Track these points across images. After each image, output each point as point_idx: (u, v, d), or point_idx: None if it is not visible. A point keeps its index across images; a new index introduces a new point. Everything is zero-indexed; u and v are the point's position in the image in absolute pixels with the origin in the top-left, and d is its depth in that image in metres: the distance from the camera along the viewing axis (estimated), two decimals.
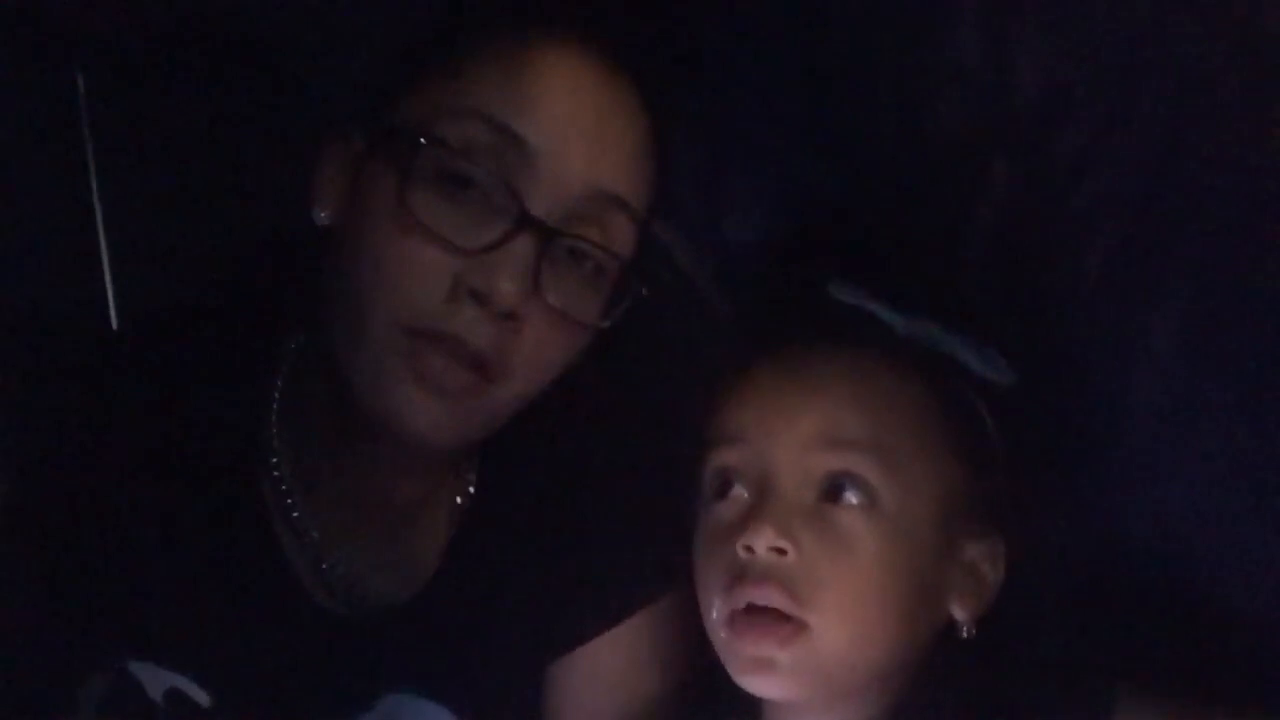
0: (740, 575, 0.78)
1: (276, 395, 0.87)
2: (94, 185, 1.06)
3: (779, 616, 0.77)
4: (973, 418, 0.81)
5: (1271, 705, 0.73)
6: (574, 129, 0.77)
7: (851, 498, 0.78)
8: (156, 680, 0.81)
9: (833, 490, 0.78)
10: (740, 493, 0.81)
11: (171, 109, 1.04)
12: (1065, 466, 0.84)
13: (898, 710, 0.79)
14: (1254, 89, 0.76)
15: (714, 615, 0.80)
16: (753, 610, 0.77)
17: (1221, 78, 0.78)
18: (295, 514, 0.86)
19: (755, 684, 0.79)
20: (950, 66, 0.87)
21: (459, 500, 0.88)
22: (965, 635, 0.80)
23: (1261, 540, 0.78)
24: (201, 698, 0.82)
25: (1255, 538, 0.78)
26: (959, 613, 0.80)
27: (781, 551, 0.77)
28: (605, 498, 0.88)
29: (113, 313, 1.06)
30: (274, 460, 0.86)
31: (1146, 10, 0.81)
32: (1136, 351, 0.81)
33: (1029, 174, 0.86)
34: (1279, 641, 0.76)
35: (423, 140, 0.76)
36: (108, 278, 1.06)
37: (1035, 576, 0.81)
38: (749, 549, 0.77)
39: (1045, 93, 0.84)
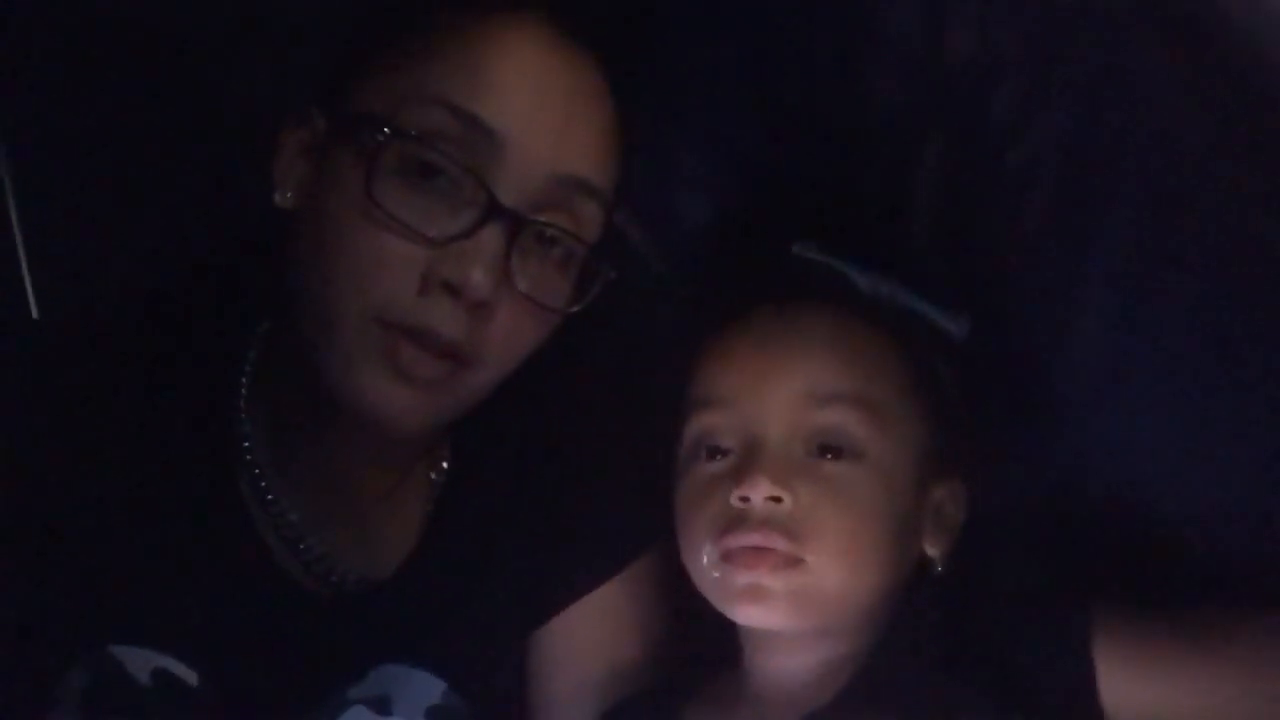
0: (735, 523, 0.80)
1: (245, 379, 0.86)
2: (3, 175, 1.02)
3: (777, 555, 0.79)
4: (933, 368, 0.86)
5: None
6: (541, 115, 0.77)
7: (841, 451, 0.81)
8: (142, 661, 0.78)
9: (822, 444, 0.81)
10: (727, 451, 0.83)
11: (92, 92, 1.00)
12: (1015, 409, 0.89)
13: (877, 646, 0.83)
14: (1176, 46, 0.83)
15: (704, 560, 0.82)
16: (750, 550, 0.80)
17: (1144, 37, 0.85)
18: (270, 496, 0.84)
19: (750, 613, 0.81)
20: (887, 37, 0.92)
21: (434, 476, 0.88)
22: (938, 570, 0.85)
23: (1199, 464, 0.84)
24: (190, 676, 0.79)
25: (1195, 463, 0.85)
26: (931, 550, 0.84)
27: (777, 500, 0.79)
28: (578, 464, 0.89)
29: (32, 304, 1.02)
30: (246, 444, 0.85)
31: None
32: (1076, 297, 0.88)
33: (966, 137, 0.91)
34: (1225, 554, 0.82)
35: (387, 131, 0.75)
36: (25, 269, 1.01)
37: (995, 513, 0.86)
38: (744, 499, 0.80)
39: (977, 59, 0.90)
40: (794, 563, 0.79)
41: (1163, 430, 0.86)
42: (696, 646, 0.87)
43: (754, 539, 0.79)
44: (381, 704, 0.81)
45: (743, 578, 0.80)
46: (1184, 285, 0.85)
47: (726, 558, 0.80)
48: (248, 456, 0.85)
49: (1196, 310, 0.85)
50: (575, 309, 0.82)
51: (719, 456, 0.83)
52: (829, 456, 0.81)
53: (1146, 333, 0.86)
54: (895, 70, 0.92)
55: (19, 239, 1.01)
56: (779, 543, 0.79)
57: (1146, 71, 0.85)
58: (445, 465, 0.89)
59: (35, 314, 1.02)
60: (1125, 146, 0.86)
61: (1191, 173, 0.85)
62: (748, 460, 0.81)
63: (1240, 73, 0.82)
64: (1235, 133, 0.83)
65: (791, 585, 0.79)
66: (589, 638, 0.88)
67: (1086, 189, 0.88)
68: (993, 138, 0.90)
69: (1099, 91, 0.87)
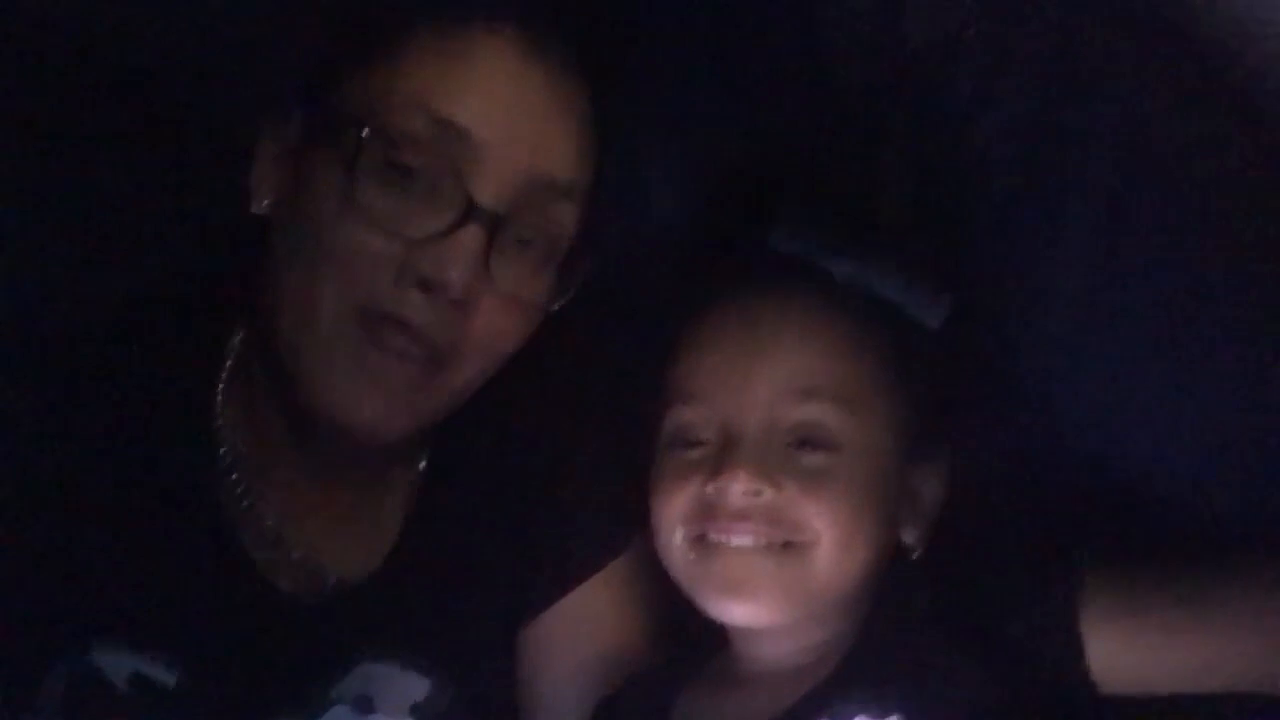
0: (709, 511, 0.81)
1: (221, 386, 0.86)
2: None
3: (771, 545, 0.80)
4: (909, 355, 0.85)
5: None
6: (517, 118, 0.78)
7: (820, 444, 0.81)
8: (120, 666, 0.78)
9: (801, 438, 0.81)
10: (704, 442, 0.83)
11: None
12: (990, 385, 0.89)
13: (867, 625, 0.82)
14: (1131, 19, 0.84)
15: (677, 541, 0.82)
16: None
17: (1101, 12, 0.85)
18: (247, 502, 0.84)
19: (732, 609, 0.81)
20: (845, 23, 0.92)
21: (413, 475, 0.88)
22: (915, 556, 0.84)
23: (1173, 429, 0.85)
24: (168, 679, 0.79)
25: (1169, 427, 0.85)
26: (908, 535, 0.84)
27: (756, 492, 0.79)
28: (557, 460, 0.89)
29: None
30: (222, 451, 0.85)
31: None
32: (1046, 269, 0.88)
33: (928, 117, 0.91)
34: (1203, 516, 0.83)
35: (367, 133, 0.76)
36: None
37: (976, 488, 0.86)
38: (719, 490, 0.80)
39: (934, 41, 0.90)
40: (786, 547, 0.79)
41: (1136, 396, 0.86)
42: (689, 632, 0.87)
43: (735, 534, 0.79)
44: (363, 703, 0.81)
45: (727, 569, 0.80)
46: (1151, 252, 0.86)
47: (709, 549, 0.80)
48: (224, 463, 0.85)
49: (1165, 275, 0.85)
50: (555, 306, 0.82)
51: (696, 446, 0.83)
52: (807, 448, 0.81)
53: (1116, 301, 0.87)
54: (857, 55, 0.93)
55: None
56: (763, 533, 0.79)
57: (1106, 45, 0.86)
58: (423, 465, 0.88)
59: None
60: (1088, 121, 0.87)
61: (1155, 144, 0.85)
62: (726, 453, 0.81)
63: (1196, 44, 0.83)
64: (1197, 102, 0.83)
65: (784, 573, 0.79)
66: (578, 631, 0.88)
67: (1050, 161, 0.88)
68: (955, 115, 0.90)
69: (1060, 67, 0.87)
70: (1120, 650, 0.76)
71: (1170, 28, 0.83)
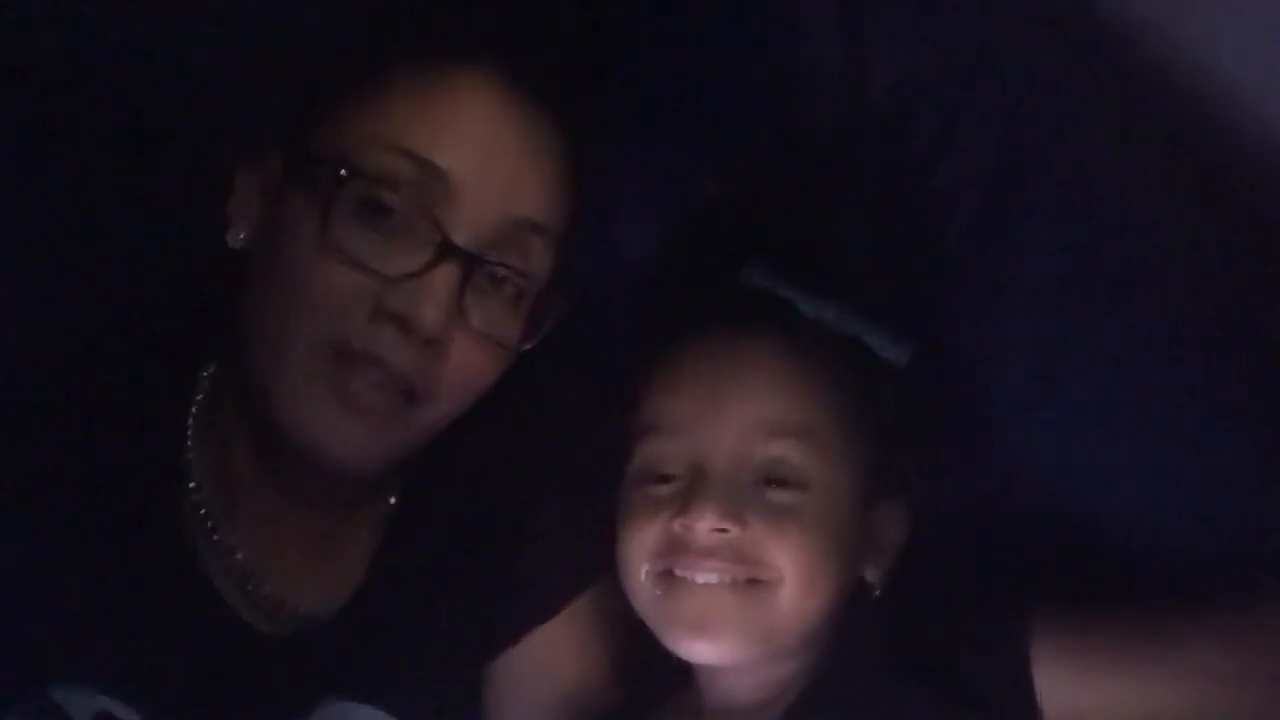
0: (676, 547, 0.81)
1: (191, 422, 0.86)
2: None
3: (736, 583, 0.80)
4: (875, 393, 0.87)
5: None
6: (493, 159, 0.79)
7: (788, 481, 0.81)
8: (83, 705, 0.78)
9: (769, 475, 0.81)
10: (672, 477, 0.83)
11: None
12: (950, 422, 0.91)
13: (823, 660, 0.83)
14: (1091, 66, 0.86)
15: (642, 576, 0.82)
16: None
17: (1058, 60, 0.87)
18: (217, 536, 0.85)
19: (697, 646, 0.82)
20: (810, 68, 0.94)
21: (382, 511, 0.89)
22: (876, 593, 0.85)
23: (1129, 467, 0.86)
24: (132, 717, 0.78)
25: (1125, 466, 0.86)
26: (870, 574, 0.85)
27: (723, 530, 0.80)
28: (525, 497, 0.89)
29: None
30: (192, 485, 0.85)
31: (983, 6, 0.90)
32: (1005, 309, 0.90)
33: (891, 159, 0.93)
34: (1158, 555, 0.84)
35: (345, 173, 0.77)
36: None
37: (934, 523, 0.87)
38: (685, 526, 0.81)
39: (897, 87, 0.92)
40: (750, 585, 0.80)
41: (1093, 435, 0.88)
42: (653, 666, 0.87)
43: (700, 570, 0.80)
44: None
45: (693, 605, 0.80)
46: (1107, 294, 0.87)
47: (675, 586, 0.81)
48: (194, 497, 0.85)
49: (1120, 317, 0.87)
50: (528, 345, 0.83)
51: (664, 481, 0.84)
52: (774, 485, 0.81)
53: (1075, 342, 0.88)
54: (820, 99, 0.94)
55: None
56: (728, 570, 0.80)
57: (1065, 91, 0.88)
58: (393, 500, 0.89)
59: None
60: (1044, 164, 0.89)
61: (1114, 189, 0.87)
62: (694, 489, 0.81)
63: (1156, 91, 0.85)
64: (1150, 146, 0.85)
65: (748, 611, 0.80)
66: (543, 668, 0.88)
67: (1009, 207, 0.90)
68: (917, 158, 0.92)
69: (1017, 112, 0.89)
70: (1070, 690, 0.77)
71: (1130, 75, 0.86)
